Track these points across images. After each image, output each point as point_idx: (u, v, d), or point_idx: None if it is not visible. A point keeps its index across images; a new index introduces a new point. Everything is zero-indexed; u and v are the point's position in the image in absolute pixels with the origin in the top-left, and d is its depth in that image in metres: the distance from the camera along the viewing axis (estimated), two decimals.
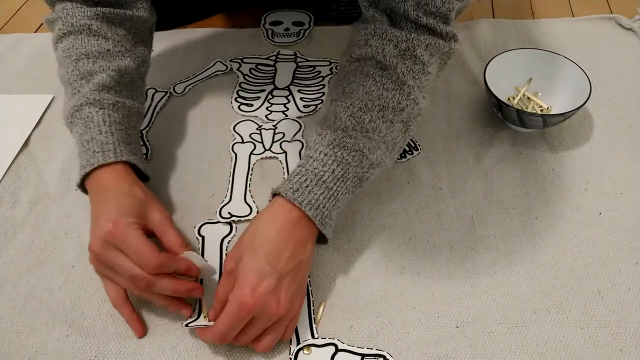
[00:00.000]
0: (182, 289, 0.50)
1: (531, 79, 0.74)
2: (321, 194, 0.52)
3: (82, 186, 0.57)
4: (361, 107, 0.54)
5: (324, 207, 0.51)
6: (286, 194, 0.51)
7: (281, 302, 0.48)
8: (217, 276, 0.56)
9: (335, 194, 0.52)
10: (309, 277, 0.57)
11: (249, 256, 0.49)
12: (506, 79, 0.72)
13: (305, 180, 0.52)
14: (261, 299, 0.47)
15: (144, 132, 0.74)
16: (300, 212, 0.51)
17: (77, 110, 0.58)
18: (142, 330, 0.53)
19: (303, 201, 0.51)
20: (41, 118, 0.77)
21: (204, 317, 0.52)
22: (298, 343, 0.52)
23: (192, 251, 0.53)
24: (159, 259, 0.49)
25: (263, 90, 0.80)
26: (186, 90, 0.81)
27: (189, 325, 0.51)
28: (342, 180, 0.53)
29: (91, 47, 0.60)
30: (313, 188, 0.51)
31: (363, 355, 0.51)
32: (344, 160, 0.53)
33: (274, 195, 0.53)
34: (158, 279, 0.49)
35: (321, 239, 0.54)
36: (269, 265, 0.48)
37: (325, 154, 0.53)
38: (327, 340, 0.52)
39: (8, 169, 0.70)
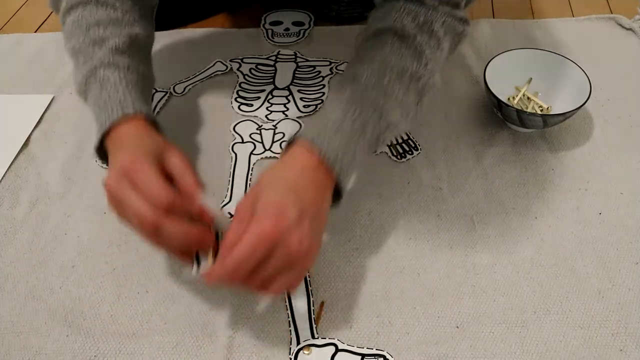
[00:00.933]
0: (194, 233, 0.46)
1: (531, 79, 0.74)
2: (339, 143, 0.49)
3: (101, 151, 0.54)
4: (380, 69, 0.53)
5: (341, 159, 0.49)
6: (306, 138, 0.49)
7: (304, 238, 0.44)
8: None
9: (353, 147, 0.50)
10: (309, 276, 0.57)
11: (269, 190, 0.46)
12: (506, 79, 0.72)
13: (325, 126, 0.50)
14: (284, 230, 0.43)
15: None
16: (319, 159, 0.48)
17: (91, 75, 0.56)
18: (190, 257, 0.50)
19: (323, 148, 0.48)
20: (41, 118, 0.77)
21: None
22: (298, 343, 0.52)
23: (209, 199, 0.50)
24: (171, 195, 0.46)
25: (263, 90, 0.80)
26: (186, 90, 0.81)
27: (195, 274, 0.48)
28: (361, 135, 0.51)
29: (101, 16, 0.59)
30: (333, 137, 0.49)
31: (363, 355, 0.51)
32: (362, 115, 0.51)
33: (290, 143, 0.51)
34: (167, 221, 0.45)
35: (333, 201, 0.51)
36: (292, 195, 0.45)
37: (345, 106, 0.51)
38: (327, 340, 0.52)
39: (8, 169, 0.70)
